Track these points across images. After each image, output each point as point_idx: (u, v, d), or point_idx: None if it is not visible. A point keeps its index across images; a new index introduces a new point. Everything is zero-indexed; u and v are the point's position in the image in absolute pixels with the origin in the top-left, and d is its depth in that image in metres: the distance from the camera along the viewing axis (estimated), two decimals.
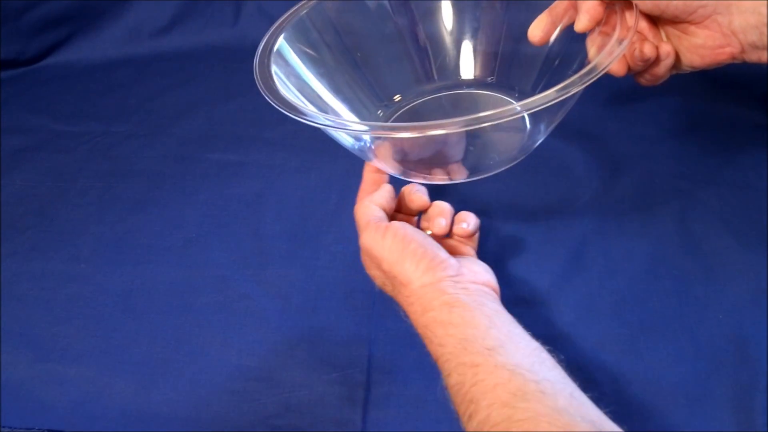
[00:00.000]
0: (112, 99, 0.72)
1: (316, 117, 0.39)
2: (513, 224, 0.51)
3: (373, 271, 0.41)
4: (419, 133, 0.36)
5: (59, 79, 0.76)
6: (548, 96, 0.36)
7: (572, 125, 0.56)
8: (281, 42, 0.47)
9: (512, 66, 0.55)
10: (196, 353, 0.46)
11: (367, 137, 0.45)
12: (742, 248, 0.47)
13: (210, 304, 0.49)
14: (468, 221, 0.42)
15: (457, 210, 0.51)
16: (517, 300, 0.46)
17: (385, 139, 0.44)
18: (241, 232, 0.54)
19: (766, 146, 0.54)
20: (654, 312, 0.44)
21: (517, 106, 0.35)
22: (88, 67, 0.77)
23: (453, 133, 0.37)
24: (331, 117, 0.42)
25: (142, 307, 0.49)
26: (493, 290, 0.38)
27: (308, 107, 0.44)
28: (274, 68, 0.45)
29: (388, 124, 0.38)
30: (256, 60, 0.46)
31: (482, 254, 0.49)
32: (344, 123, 0.42)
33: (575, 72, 0.42)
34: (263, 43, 0.47)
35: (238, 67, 0.73)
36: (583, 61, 0.45)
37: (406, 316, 0.37)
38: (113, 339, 0.47)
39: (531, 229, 0.50)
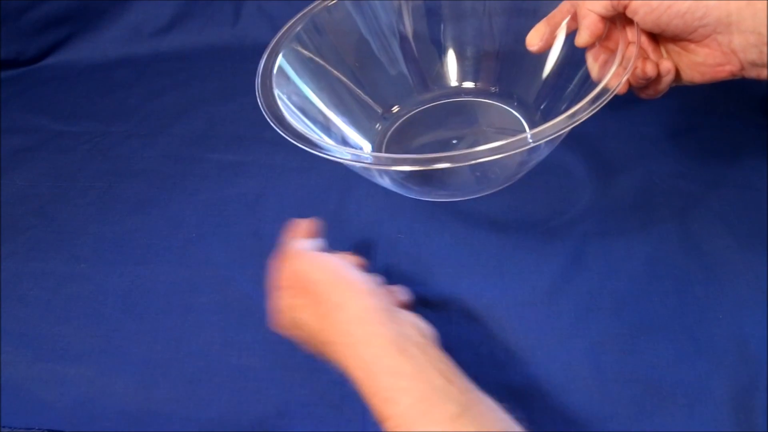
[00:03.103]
0: (112, 99, 0.72)
1: (332, 150, 0.39)
2: (513, 224, 0.51)
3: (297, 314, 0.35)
4: (424, 166, 0.36)
5: (59, 79, 0.76)
6: (558, 124, 0.36)
7: None
8: (281, 60, 0.47)
9: (511, 74, 0.54)
10: (197, 353, 0.46)
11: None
12: (742, 248, 0.47)
13: (210, 303, 0.49)
14: None
15: (459, 219, 0.51)
16: (518, 300, 0.46)
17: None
18: (241, 232, 0.54)
19: (766, 146, 0.54)
20: (654, 312, 0.44)
21: (528, 136, 0.35)
22: (88, 67, 0.77)
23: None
24: (349, 150, 0.41)
25: (143, 307, 0.49)
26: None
27: (320, 138, 0.44)
28: (277, 92, 0.44)
29: (400, 156, 0.37)
30: (258, 81, 0.45)
31: (482, 254, 0.49)
32: (360, 156, 0.42)
33: (578, 84, 0.42)
34: (263, 63, 0.47)
35: (238, 67, 0.73)
36: (585, 70, 0.45)
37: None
38: (113, 339, 0.47)
39: (531, 230, 0.50)
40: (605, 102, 0.37)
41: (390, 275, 0.49)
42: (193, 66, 0.75)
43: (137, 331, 0.48)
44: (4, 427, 0.43)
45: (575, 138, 0.57)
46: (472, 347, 0.43)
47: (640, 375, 0.41)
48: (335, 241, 0.52)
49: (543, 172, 0.55)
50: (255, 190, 0.57)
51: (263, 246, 0.52)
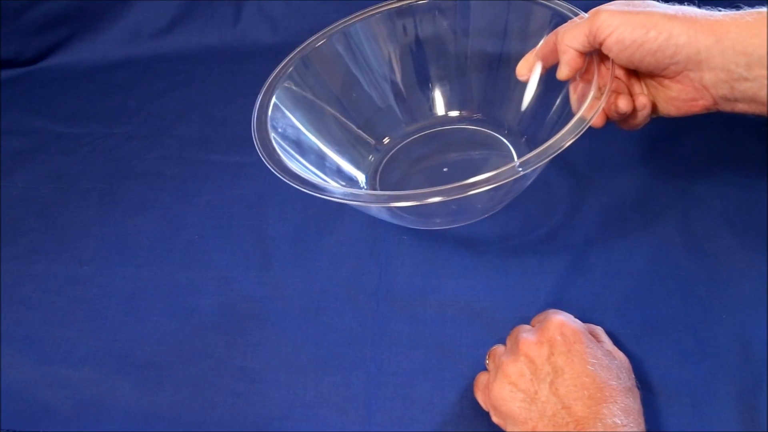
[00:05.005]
0: (112, 100, 0.72)
1: (332, 191, 0.40)
2: (516, 226, 0.51)
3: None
4: (419, 201, 0.37)
5: (59, 81, 0.76)
6: (545, 152, 0.38)
7: None
8: (275, 99, 0.49)
9: (493, 101, 0.56)
10: (200, 355, 0.46)
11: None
12: (744, 248, 0.47)
13: (213, 305, 0.49)
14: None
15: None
16: (522, 301, 0.46)
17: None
18: (243, 234, 0.54)
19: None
20: (657, 312, 0.44)
21: (517, 164, 0.37)
22: (89, 69, 0.77)
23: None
24: (347, 189, 0.42)
25: (145, 309, 0.49)
26: None
27: (313, 174, 0.45)
28: (273, 135, 0.46)
29: (386, 193, 0.39)
30: (254, 120, 0.47)
31: (485, 255, 0.49)
32: (360, 195, 0.42)
33: (557, 112, 0.46)
34: (258, 102, 0.48)
35: (238, 68, 0.73)
36: (563, 94, 0.47)
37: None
38: (116, 341, 0.47)
39: (534, 231, 0.50)
40: (585, 129, 0.39)
41: (393, 276, 0.49)
42: (193, 67, 0.75)
43: (140, 334, 0.48)
44: (7, 430, 0.43)
45: (576, 138, 0.57)
46: (475, 349, 0.43)
47: (644, 375, 0.41)
48: (338, 242, 0.52)
49: (545, 173, 0.55)
50: (257, 191, 0.57)
51: (266, 247, 0.52)
